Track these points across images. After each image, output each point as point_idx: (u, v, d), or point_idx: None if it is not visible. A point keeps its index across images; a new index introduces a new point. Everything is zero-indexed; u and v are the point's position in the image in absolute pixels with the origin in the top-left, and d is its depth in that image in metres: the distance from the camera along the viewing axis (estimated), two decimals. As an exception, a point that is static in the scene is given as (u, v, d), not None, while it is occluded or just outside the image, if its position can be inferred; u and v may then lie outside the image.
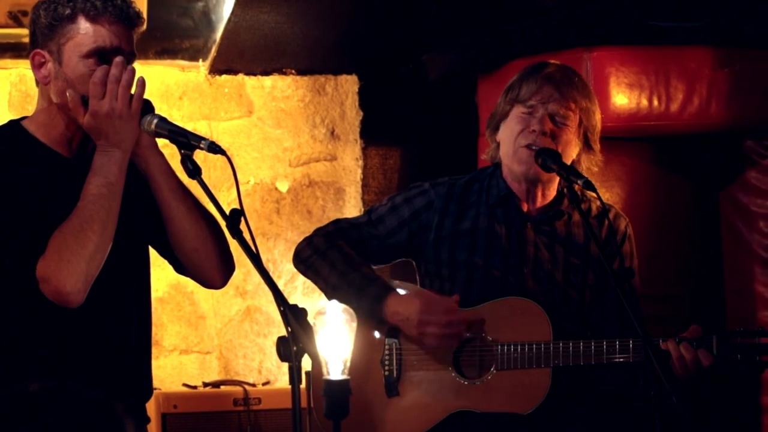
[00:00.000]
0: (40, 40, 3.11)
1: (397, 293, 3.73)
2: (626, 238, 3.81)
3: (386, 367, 3.79)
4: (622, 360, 3.56)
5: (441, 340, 3.69)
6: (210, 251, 3.20)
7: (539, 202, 3.80)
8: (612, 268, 3.53)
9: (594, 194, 3.60)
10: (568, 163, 3.70)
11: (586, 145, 3.78)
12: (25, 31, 3.20)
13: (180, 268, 3.27)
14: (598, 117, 3.80)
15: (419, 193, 3.89)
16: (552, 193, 3.81)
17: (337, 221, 3.97)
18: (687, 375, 3.51)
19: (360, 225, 3.90)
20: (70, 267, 2.97)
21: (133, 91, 3.05)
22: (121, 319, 3.17)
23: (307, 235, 3.93)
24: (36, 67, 3.12)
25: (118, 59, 3.05)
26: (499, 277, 3.75)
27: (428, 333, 3.68)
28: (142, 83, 3.07)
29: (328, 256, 3.81)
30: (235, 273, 3.30)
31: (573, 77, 3.78)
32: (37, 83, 3.16)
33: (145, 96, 3.09)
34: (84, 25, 3.07)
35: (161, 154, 3.18)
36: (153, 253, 3.30)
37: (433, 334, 3.68)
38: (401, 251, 3.89)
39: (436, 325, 3.67)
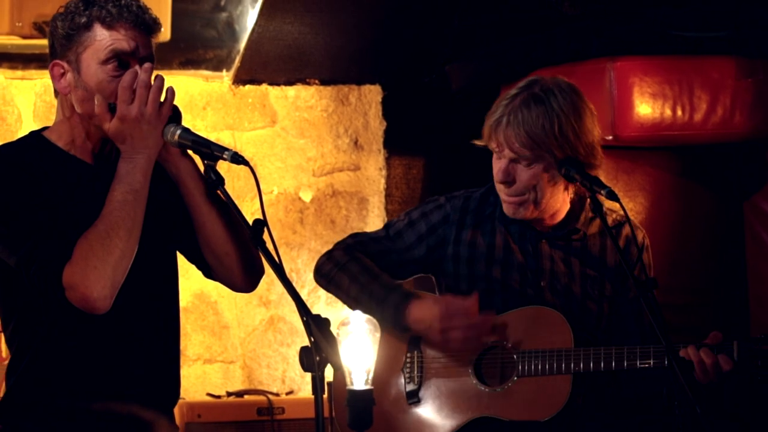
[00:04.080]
0: (59, 51, 3.12)
1: (418, 300, 3.72)
2: (644, 248, 3.80)
3: (407, 376, 3.80)
4: (642, 366, 3.55)
5: (464, 344, 3.68)
6: (241, 255, 3.20)
7: (549, 216, 3.77)
8: (635, 277, 3.53)
9: (617, 204, 3.58)
10: (547, 192, 3.65)
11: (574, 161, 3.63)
12: (50, 42, 3.22)
13: (209, 272, 3.28)
14: (583, 140, 3.62)
15: (435, 207, 3.88)
16: (563, 206, 3.77)
17: (355, 235, 3.97)
18: (708, 380, 3.50)
19: (379, 239, 3.91)
20: (97, 273, 2.97)
21: (162, 98, 3.07)
22: (149, 324, 3.17)
23: (328, 248, 3.94)
24: (56, 77, 3.13)
25: (146, 65, 3.06)
26: (518, 291, 3.75)
27: (451, 338, 3.67)
28: (171, 91, 3.09)
29: (348, 268, 3.82)
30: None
31: (526, 114, 3.60)
32: (56, 94, 3.18)
33: (169, 106, 3.11)
34: (100, 32, 3.07)
35: (191, 159, 3.18)
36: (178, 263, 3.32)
37: (457, 339, 3.67)
38: (420, 266, 3.89)
39: (459, 329, 3.65)
